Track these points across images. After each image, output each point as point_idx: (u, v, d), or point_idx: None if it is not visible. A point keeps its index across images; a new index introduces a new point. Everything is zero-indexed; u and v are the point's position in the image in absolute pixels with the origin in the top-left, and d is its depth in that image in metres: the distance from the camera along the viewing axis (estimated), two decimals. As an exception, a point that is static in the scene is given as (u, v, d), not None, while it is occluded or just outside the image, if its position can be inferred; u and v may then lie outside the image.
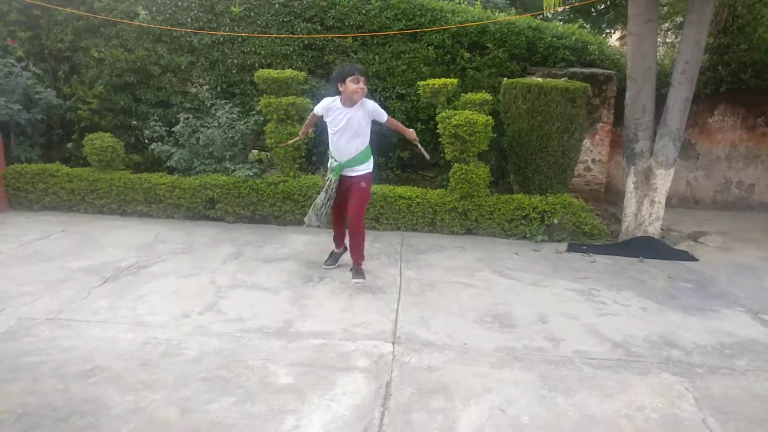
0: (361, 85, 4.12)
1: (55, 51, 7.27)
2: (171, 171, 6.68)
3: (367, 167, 4.45)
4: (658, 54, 6.38)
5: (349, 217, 4.41)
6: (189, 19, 7.11)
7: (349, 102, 4.21)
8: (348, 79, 4.10)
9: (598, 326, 3.93)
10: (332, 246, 4.94)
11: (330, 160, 4.47)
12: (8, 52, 6.88)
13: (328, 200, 4.49)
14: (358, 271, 4.51)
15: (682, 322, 4.08)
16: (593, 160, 7.52)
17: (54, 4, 6.95)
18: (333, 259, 4.92)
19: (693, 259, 5.62)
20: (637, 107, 5.81)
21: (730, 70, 7.60)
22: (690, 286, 4.87)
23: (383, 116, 4.39)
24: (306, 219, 4.59)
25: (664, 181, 5.86)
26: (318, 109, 4.39)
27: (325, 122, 4.39)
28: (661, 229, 6.12)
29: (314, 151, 7.14)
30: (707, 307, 4.39)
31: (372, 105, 4.29)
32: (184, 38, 7.18)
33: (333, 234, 4.89)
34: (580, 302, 4.37)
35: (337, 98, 4.28)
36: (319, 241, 5.53)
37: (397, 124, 4.67)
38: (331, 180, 4.42)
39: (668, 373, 3.30)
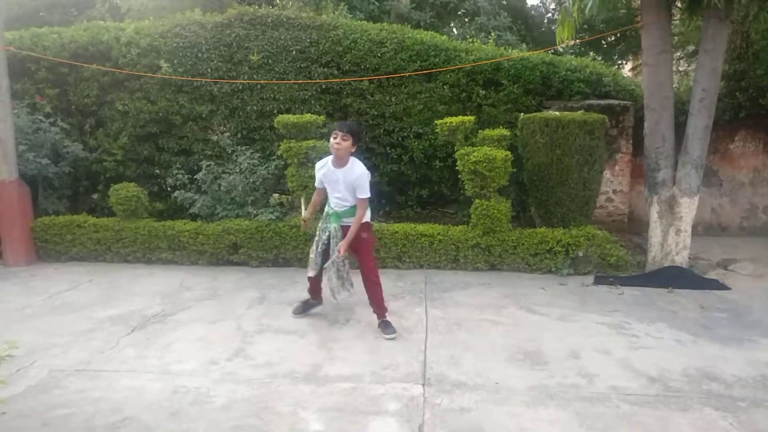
0: (338, 140, 4.04)
1: (81, 106, 7.53)
2: (194, 218, 6.77)
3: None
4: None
5: (362, 273, 4.35)
6: (209, 69, 7.33)
7: (336, 161, 4.18)
8: (331, 135, 4.13)
9: (631, 360, 3.83)
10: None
11: (326, 208, 4.42)
12: (37, 109, 7.14)
13: (341, 261, 4.31)
14: (386, 324, 4.31)
15: (720, 353, 3.96)
16: (614, 191, 7.47)
17: (80, 61, 7.23)
18: (303, 307, 4.75)
19: (725, 287, 5.48)
20: (657, 136, 5.79)
21: (747, 95, 7.56)
22: (724, 315, 4.74)
23: (361, 194, 4.15)
24: (335, 290, 4.37)
25: (689, 209, 5.78)
26: (316, 182, 4.43)
27: None
28: (689, 257, 6.00)
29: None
30: (744, 337, 4.26)
31: (356, 177, 4.13)
32: (204, 87, 7.39)
33: (309, 284, 4.69)
34: (611, 336, 4.27)
35: (328, 158, 4.29)
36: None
37: (356, 223, 4.23)
38: (334, 228, 4.29)
39: (710, 408, 3.19)
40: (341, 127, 4.11)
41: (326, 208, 4.43)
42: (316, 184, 4.47)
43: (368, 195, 4.19)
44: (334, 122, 7.25)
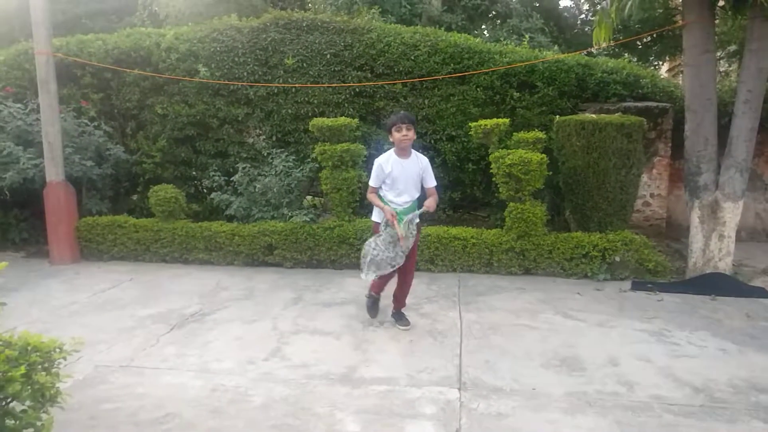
0: (404, 132, 4.08)
1: (123, 110, 7.75)
2: (230, 219, 6.89)
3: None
4: (715, 84, 6.23)
5: (408, 268, 4.32)
6: (245, 73, 7.45)
7: (401, 153, 4.19)
8: (393, 129, 4.13)
9: (673, 369, 3.74)
10: (387, 291, 4.60)
11: (392, 208, 4.11)
12: (82, 113, 7.39)
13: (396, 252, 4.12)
14: (400, 315, 4.53)
15: (768, 364, 3.83)
16: (652, 195, 7.31)
17: (123, 67, 7.44)
18: (377, 308, 4.69)
19: (771, 295, 5.31)
20: (699, 139, 5.65)
21: (794, 96, 7.31)
22: (771, 324, 4.59)
23: (432, 181, 4.28)
24: (369, 269, 4.15)
25: (732, 214, 5.62)
26: (374, 180, 4.23)
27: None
28: (733, 264, 5.84)
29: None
30: (793, 347, 4.12)
31: (426, 165, 4.26)
32: (240, 91, 7.52)
33: (380, 284, 4.49)
34: (651, 343, 4.18)
35: (390, 152, 4.23)
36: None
37: (432, 199, 4.23)
38: (409, 227, 4.08)
39: (759, 421, 3.08)
40: (405, 119, 4.11)
41: (393, 210, 4.11)
42: (373, 183, 4.23)
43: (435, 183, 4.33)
44: (366, 126, 7.34)
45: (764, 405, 3.26)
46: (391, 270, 4.14)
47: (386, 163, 4.18)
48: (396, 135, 4.11)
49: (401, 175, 4.15)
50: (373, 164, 4.23)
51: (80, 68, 7.49)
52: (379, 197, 4.24)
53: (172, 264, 6.53)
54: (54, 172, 6.44)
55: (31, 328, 2.67)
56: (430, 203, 4.16)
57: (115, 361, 3.84)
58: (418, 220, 4.27)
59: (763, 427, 3.03)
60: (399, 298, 4.55)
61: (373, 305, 4.66)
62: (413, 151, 4.27)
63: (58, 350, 2.48)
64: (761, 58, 5.40)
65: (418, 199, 4.26)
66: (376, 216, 4.34)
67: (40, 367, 2.39)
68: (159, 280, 5.85)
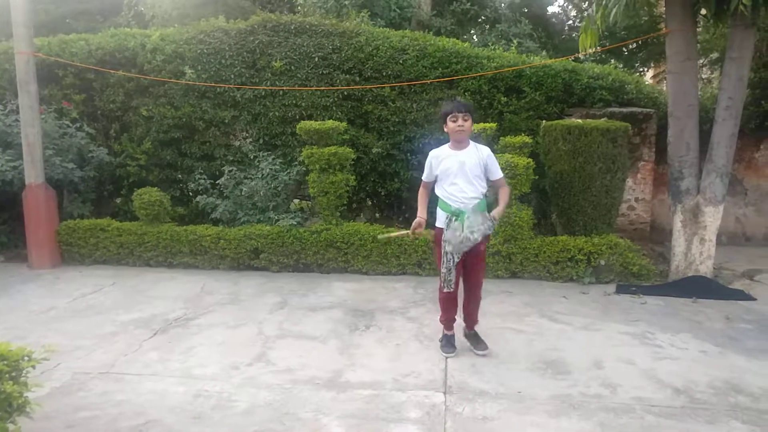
0: (460, 122, 3.73)
1: (107, 111, 7.66)
2: (215, 222, 6.84)
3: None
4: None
5: (474, 284, 4.00)
6: (232, 75, 7.41)
7: (457, 145, 3.84)
8: (448, 118, 3.77)
9: (656, 371, 3.77)
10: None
11: (452, 208, 3.75)
12: (64, 114, 7.28)
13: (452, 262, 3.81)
14: (476, 338, 4.08)
15: (747, 365, 3.87)
16: (636, 199, 7.38)
17: (107, 67, 7.36)
18: (453, 344, 4.09)
19: (750, 298, 5.38)
20: (681, 145, 5.72)
21: (774, 104, 7.45)
22: (751, 327, 4.65)
23: (496, 173, 3.89)
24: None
25: (713, 218, 5.70)
26: (425, 174, 3.95)
27: (435, 176, 3.90)
28: (714, 267, 5.91)
29: (353, 198, 7.22)
30: (773, 349, 4.17)
31: (487, 153, 3.85)
32: (227, 93, 7.47)
33: (448, 312, 4.02)
34: (634, 346, 4.21)
35: (444, 146, 3.92)
36: (362, 289, 5.53)
37: (505, 196, 3.99)
38: (464, 235, 3.70)
39: (737, 422, 3.12)
40: (460, 107, 3.76)
41: (441, 212, 3.83)
42: (424, 177, 3.97)
43: (502, 174, 3.95)
44: (354, 129, 7.32)
45: (743, 406, 3.30)
46: (449, 287, 3.83)
47: (439, 155, 3.85)
48: (451, 125, 3.75)
49: (458, 170, 3.74)
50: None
51: (62, 69, 7.39)
52: (441, 200, 3.82)
53: (156, 268, 6.46)
54: (33, 174, 6.34)
55: (7, 335, 2.64)
56: (500, 209, 3.84)
57: (94, 368, 3.78)
58: (489, 224, 3.82)
59: (741, 427, 3.06)
60: (471, 314, 4.08)
61: (447, 343, 4.08)
62: (472, 142, 3.89)
63: (26, 358, 2.43)
64: (741, 66, 5.48)
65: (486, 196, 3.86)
66: (440, 221, 3.85)
67: (7, 376, 2.34)
68: (142, 285, 5.78)
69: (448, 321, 4.07)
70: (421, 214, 3.92)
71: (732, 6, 5.00)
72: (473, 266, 3.95)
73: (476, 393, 3.44)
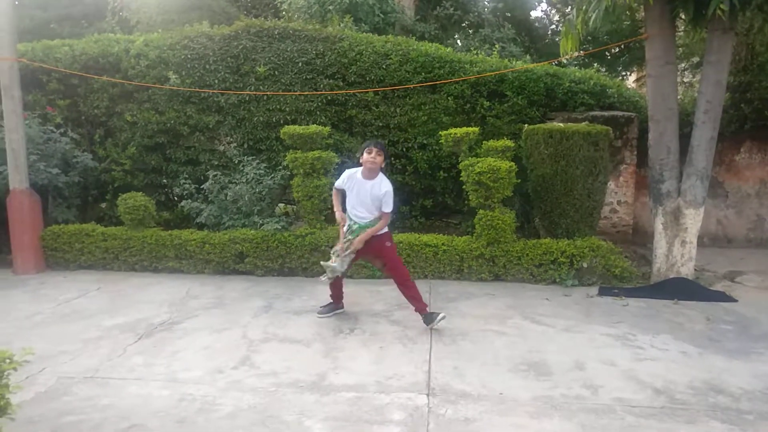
0: (372, 155, 4.43)
1: (91, 116, 7.62)
2: (201, 227, 6.82)
3: (384, 228, 4.66)
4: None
5: (395, 279, 4.72)
6: (216, 81, 7.42)
7: (368, 173, 4.50)
8: (364, 150, 4.50)
9: (637, 372, 3.83)
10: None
11: (349, 221, 4.64)
12: (48, 120, 7.25)
13: (348, 254, 4.59)
14: (428, 316, 4.55)
15: (726, 366, 3.94)
16: (619, 202, 7.48)
17: (91, 73, 7.33)
18: (329, 308, 4.96)
19: (731, 299, 5.47)
20: (661, 148, 5.81)
21: (753, 107, 7.59)
22: (731, 328, 4.73)
23: (386, 208, 4.55)
24: (328, 272, 4.61)
25: (694, 220, 5.79)
26: (338, 184, 4.70)
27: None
28: (695, 269, 6.00)
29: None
30: (751, 350, 4.24)
31: (385, 192, 4.50)
32: (211, 99, 7.47)
33: (331, 291, 4.94)
34: (616, 347, 4.27)
35: (359, 169, 4.58)
36: (347, 292, 5.52)
37: (375, 228, 4.62)
38: (350, 240, 4.57)
39: (717, 421, 3.18)
40: (377, 144, 4.52)
41: (349, 222, 4.65)
42: (337, 184, 4.71)
43: (392, 209, 4.58)
44: (339, 133, 7.38)
45: (722, 406, 3.36)
46: (329, 277, 4.64)
47: (351, 176, 4.59)
48: (365, 156, 4.47)
49: (358, 193, 4.52)
50: (341, 171, 4.61)
51: (46, 74, 7.36)
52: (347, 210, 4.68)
53: (141, 272, 6.43)
54: (17, 179, 6.30)
55: (-10, 340, 2.62)
56: (365, 234, 4.52)
57: (79, 373, 3.76)
58: (383, 232, 4.65)
59: (721, 427, 3.12)
60: (411, 304, 4.67)
61: (325, 309, 4.97)
62: (382, 176, 4.57)
63: (8, 361, 2.43)
64: (720, 69, 5.58)
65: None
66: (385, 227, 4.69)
67: (-11, 378, 2.34)
68: (127, 289, 5.76)
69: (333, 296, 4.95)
70: (339, 210, 4.73)
71: (710, 10, 5.09)
72: (385, 266, 4.76)
73: (459, 395, 3.48)
